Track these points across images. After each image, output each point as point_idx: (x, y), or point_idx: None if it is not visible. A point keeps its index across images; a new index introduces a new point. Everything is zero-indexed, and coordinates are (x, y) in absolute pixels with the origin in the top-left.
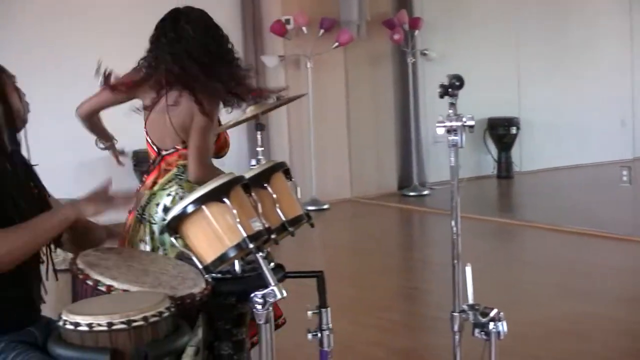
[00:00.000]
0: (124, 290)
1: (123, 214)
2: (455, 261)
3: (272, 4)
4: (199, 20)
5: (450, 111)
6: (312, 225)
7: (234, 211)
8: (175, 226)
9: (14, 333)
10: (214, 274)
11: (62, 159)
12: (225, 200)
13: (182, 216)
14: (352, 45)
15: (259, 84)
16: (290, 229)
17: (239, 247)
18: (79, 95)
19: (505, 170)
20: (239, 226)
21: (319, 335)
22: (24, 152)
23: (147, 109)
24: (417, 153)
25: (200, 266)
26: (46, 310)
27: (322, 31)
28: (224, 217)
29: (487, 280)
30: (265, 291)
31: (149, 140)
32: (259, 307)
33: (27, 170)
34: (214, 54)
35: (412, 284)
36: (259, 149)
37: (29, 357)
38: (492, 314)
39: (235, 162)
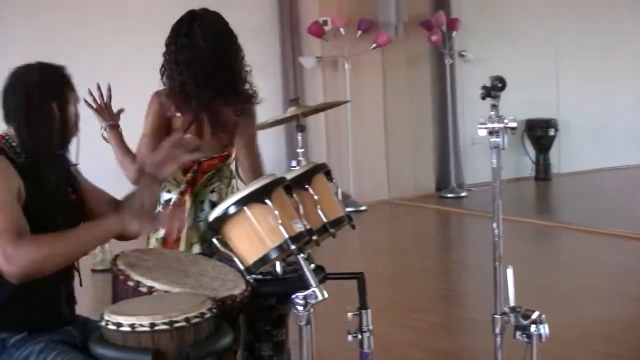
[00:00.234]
0: (165, 292)
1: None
2: (497, 263)
3: (310, 5)
4: (211, 24)
5: (492, 113)
6: (353, 227)
7: (276, 212)
8: (217, 227)
9: (52, 333)
10: (255, 275)
11: (102, 160)
12: (267, 201)
13: (224, 217)
14: (389, 47)
15: (296, 85)
16: (332, 230)
17: (280, 248)
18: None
19: (543, 172)
20: (281, 227)
21: (359, 336)
22: (72, 156)
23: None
24: (454, 154)
25: (241, 267)
26: (84, 310)
27: (359, 32)
28: (265, 218)
29: (524, 282)
30: (306, 292)
31: None
32: (300, 308)
33: (68, 176)
34: (219, 61)
35: (450, 285)
36: (299, 150)
37: (69, 357)
38: (533, 316)
39: (273, 163)
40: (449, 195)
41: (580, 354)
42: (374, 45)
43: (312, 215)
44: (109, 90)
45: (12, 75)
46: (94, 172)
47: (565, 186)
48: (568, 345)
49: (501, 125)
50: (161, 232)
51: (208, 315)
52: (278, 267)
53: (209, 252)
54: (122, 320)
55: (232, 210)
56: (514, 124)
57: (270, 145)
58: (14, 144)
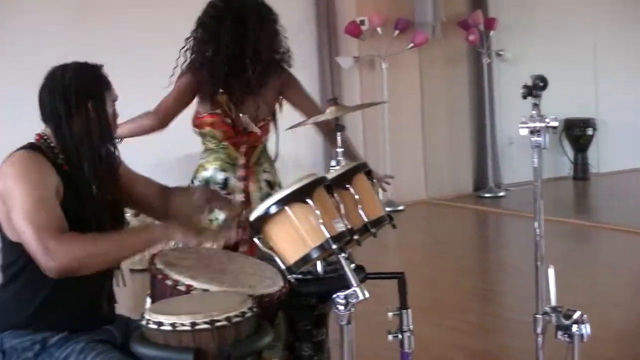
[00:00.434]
0: (204, 290)
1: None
2: (539, 263)
3: (347, 5)
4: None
5: (534, 112)
6: (394, 227)
7: (317, 212)
8: (258, 227)
9: (93, 332)
10: (295, 275)
11: (141, 158)
12: (309, 201)
13: (265, 217)
14: (427, 46)
15: (333, 85)
16: (373, 230)
17: (322, 248)
18: (153, 93)
19: (581, 171)
20: (322, 227)
21: (400, 336)
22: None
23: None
24: (492, 154)
25: (282, 267)
26: (123, 310)
27: (396, 32)
28: (307, 218)
29: (562, 281)
30: (347, 292)
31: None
32: (341, 307)
33: (107, 175)
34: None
35: (488, 285)
36: (339, 149)
37: (109, 357)
38: (575, 316)
39: (312, 162)
40: (487, 195)
41: (619, 354)
42: (411, 44)
43: (353, 214)
44: None
45: (49, 76)
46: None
47: (604, 186)
48: (607, 345)
49: (542, 125)
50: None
51: (249, 314)
52: (319, 267)
53: None
54: (163, 319)
55: (273, 209)
56: (555, 123)
57: (307, 145)
58: (51, 144)
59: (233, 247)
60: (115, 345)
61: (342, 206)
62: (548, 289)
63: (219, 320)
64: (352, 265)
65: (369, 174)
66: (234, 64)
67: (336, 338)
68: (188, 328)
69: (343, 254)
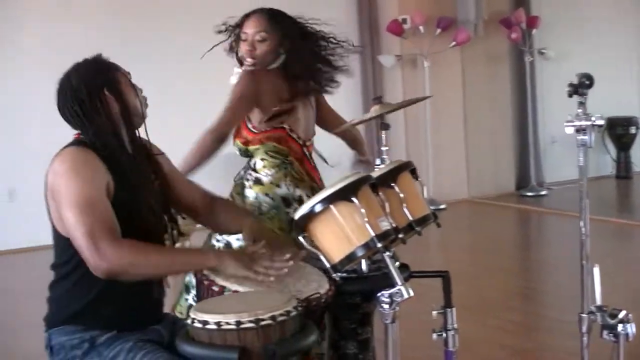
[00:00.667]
0: None
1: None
2: (584, 262)
3: (389, 3)
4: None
5: (579, 110)
6: (438, 225)
7: (362, 210)
8: (303, 225)
9: (141, 332)
10: (339, 273)
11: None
12: (354, 199)
13: (310, 215)
14: (469, 44)
15: (375, 84)
16: (418, 228)
17: (367, 246)
18: (192, 88)
19: (624, 170)
20: (367, 225)
21: (444, 335)
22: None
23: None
24: (534, 153)
25: (327, 265)
26: (167, 311)
27: (439, 30)
28: (352, 216)
29: (606, 280)
30: (392, 290)
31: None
32: (386, 306)
33: (150, 164)
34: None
35: (531, 284)
36: (383, 148)
37: (157, 356)
38: (620, 315)
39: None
40: (529, 193)
41: None
42: (453, 43)
43: (398, 213)
44: None
45: (58, 90)
46: None
47: None
48: None
49: (589, 123)
50: None
51: (294, 313)
52: (364, 265)
53: None
54: (208, 318)
55: (318, 208)
56: (601, 122)
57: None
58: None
59: None
60: (162, 345)
61: (387, 204)
62: (593, 288)
63: (264, 319)
64: (397, 264)
65: (414, 172)
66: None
67: (381, 336)
68: (233, 327)
69: (388, 253)
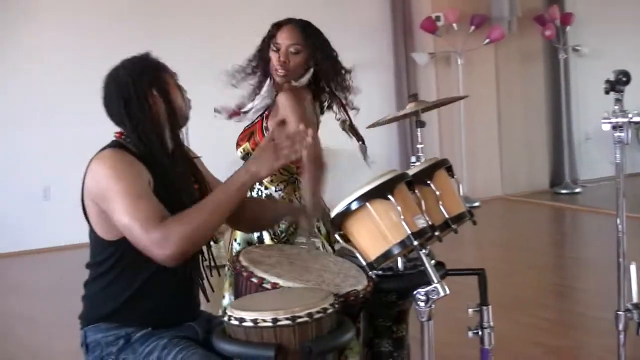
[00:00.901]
0: (289, 288)
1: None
2: (621, 259)
3: (423, 1)
4: None
5: (616, 107)
6: (474, 223)
7: (399, 208)
8: (339, 223)
9: (176, 329)
10: (375, 271)
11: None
12: (390, 197)
13: (347, 213)
14: (503, 42)
15: (409, 82)
16: (454, 226)
17: (403, 244)
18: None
19: None
20: (404, 223)
21: (480, 333)
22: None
23: None
24: (569, 150)
25: (364, 263)
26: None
27: (472, 28)
28: (388, 214)
29: None
30: (428, 289)
31: None
32: (422, 304)
33: (189, 166)
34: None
35: (565, 282)
36: (419, 146)
37: (192, 353)
38: None
39: (387, 159)
40: (563, 191)
41: None
42: (487, 40)
43: (434, 211)
44: None
45: (105, 83)
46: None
47: None
48: None
49: (626, 120)
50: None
51: (330, 310)
52: (400, 264)
53: None
54: (245, 315)
55: (354, 206)
56: (638, 119)
57: (381, 142)
58: (130, 141)
59: None
60: (197, 342)
61: (423, 202)
62: (630, 286)
63: (300, 317)
64: (433, 262)
65: (450, 170)
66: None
67: (415, 335)
68: (270, 324)
69: (424, 251)
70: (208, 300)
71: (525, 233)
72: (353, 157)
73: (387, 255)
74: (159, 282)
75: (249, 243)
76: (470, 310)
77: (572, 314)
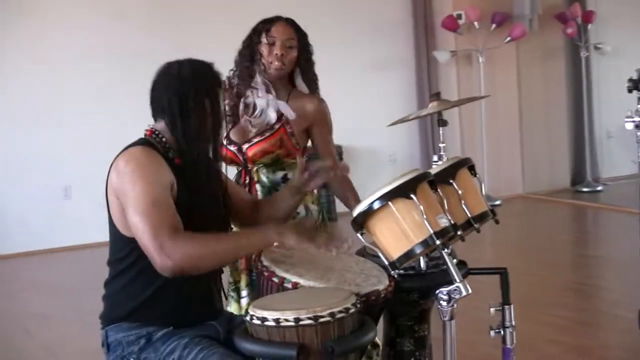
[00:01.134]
0: (310, 288)
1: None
2: None
3: None
4: None
5: (639, 106)
6: (496, 222)
7: (421, 207)
8: (361, 222)
9: (197, 328)
10: (397, 270)
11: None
12: (412, 196)
13: (369, 212)
14: (524, 40)
15: (430, 80)
16: (476, 225)
17: (425, 243)
18: None
19: None
20: (426, 222)
21: (502, 332)
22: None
23: None
24: (590, 148)
25: (386, 262)
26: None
27: (493, 26)
28: (410, 213)
29: None
30: (450, 288)
31: None
32: (444, 303)
33: (220, 187)
34: None
35: (587, 280)
36: (441, 144)
37: (212, 352)
38: None
39: (408, 158)
40: (585, 189)
41: None
42: (509, 38)
43: (456, 210)
44: None
45: (163, 72)
46: None
47: None
48: None
49: None
50: None
51: (352, 310)
52: (422, 263)
53: None
54: (267, 315)
55: (376, 205)
56: None
57: (402, 141)
58: (163, 139)
59: None
60: (218, 341)
61: (445, 201)
62: None
63: (322, 316)
64: (455, 261)
65: (472, 169)
66: None
67: (436, 334)
68: (292, 324)
69: (446, 250)
70: (226, 298)
71: (546, 231)
72: (373, 155)
73: (409, 255)
74: (180, 281)
75: None
76: (492, 309)
77: (593, 312)
